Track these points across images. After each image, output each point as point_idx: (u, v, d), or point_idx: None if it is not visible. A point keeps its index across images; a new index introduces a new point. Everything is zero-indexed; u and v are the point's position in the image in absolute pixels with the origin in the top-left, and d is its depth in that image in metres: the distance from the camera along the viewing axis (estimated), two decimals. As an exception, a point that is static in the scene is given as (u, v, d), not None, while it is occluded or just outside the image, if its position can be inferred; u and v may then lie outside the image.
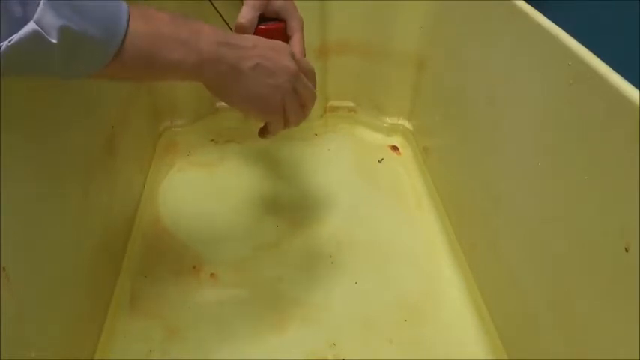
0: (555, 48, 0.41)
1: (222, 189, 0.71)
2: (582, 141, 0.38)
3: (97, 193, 0.52)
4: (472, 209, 0.60)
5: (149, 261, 0.60)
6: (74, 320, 0.46)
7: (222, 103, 0.80)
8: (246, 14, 0.47)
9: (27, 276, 0.37)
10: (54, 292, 0.42)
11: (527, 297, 0.47)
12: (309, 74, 0.45)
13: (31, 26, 0.27)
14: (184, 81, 0.38)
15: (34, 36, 0.27)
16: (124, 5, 0.31)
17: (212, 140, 0.80)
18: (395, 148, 0.80)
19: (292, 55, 0.43)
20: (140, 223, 0.65)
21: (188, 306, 0.55)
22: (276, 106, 0.42)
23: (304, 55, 0.50)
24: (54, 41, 0.28)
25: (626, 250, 0.33)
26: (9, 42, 0.27)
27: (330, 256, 0.61)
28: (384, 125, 0.82)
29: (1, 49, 0.27)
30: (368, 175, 0.75)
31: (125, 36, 0.31)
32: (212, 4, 0.53)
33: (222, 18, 0.52)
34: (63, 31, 0.28)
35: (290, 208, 0.68)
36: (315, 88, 0.46)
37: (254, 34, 0.47)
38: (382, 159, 0.78)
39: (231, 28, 0.49)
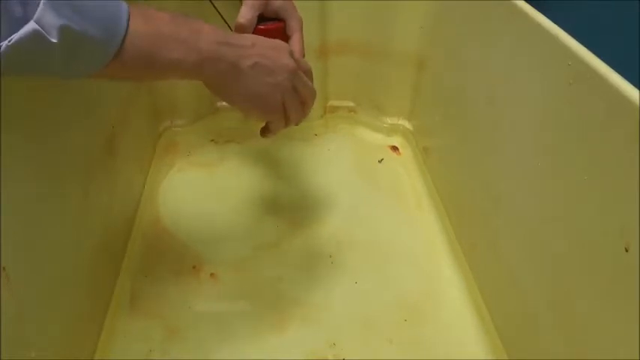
0: (555, 48, 0.41)
1: (222, 189, 0.71)
2: (582, 141, 0.38)
3: (97, 193, 0.52)
4: (472, 209, 0.60)
5: (149, 261, 0.60)
6: (74, 320, 0.46)
7: (223, 103, 0.81)
8: (246, 14, 0.47)
9: (27, 276, 0.37)
10: (54, 292, 0.42)
11: (527, 297, 0.47)
12: (307, 74, 0.45)
13: (31, 26, 0.27)
14: (184, 80, 0.38)
15: (34, 35, 0.27)
16: (124, 5, 0.31)
17: (212, 140, 0.80)
18: (395, 148, 0.80)
19: (291, 54, 0.43)
20: (140, 223, 0.65)
21: (188, 306, 0.55)
22: (276, 105, 0.42)
23: (304, 55, 0.50)
24: (54, 41, 0.28)
25: (626, 250, 0.33)
26: (9, 41, 0.27)
27: (330, 256, 0.61)
28: (384, 125, 0.82)
29: (1, 48, 0.27)
30: (368, 175, 0.75)
31: (125, 36, 0.31)
32: (212, 3, 0.53)
33: (223, 18, 0.52)
34: (63, 31, 0.28)
35: (290, 208, 0.68)
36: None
37: (253, 34, 0.47)
38: (382, 159, 0.78)
39: (231, 28, 0.49)
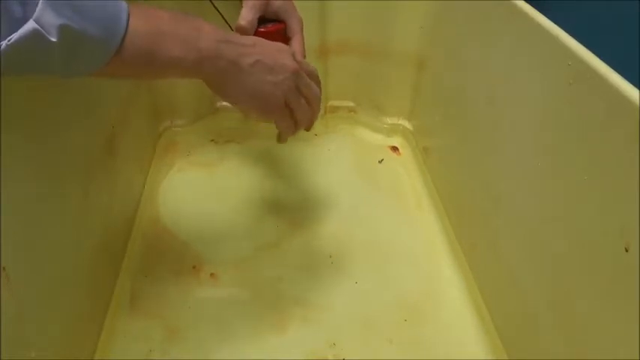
0: (555, 48, 0.41)
1: (222, 189, 0.71)
2: (582, 141, 0.38)
3: (97, 193, 0.52)
4: (472, 209, 0.60)
5: (149, 261, 0.60)
6: (74, 320, 0.46)
7: (223, 103, 0.81)
8: (246, 16, 0.47)
9: (27, 276, 0.37)
10: (54, 292, 0.42)
11: (527, 297, 0.47)
12: (312, 75, 0.45)
13: (30, 25, 0.27)
14: (185, 78, 0.38)
15: (34, 34, 0.27)
16: (124, 4, 0.32)
17: (212, 140, 0.80)
18: (395, 149, 0.80)
19: (293, 56, 0.43)
20: (140, 223, 0.65)
21: (188, 306, 0.55)
22: (277, 104, 0.42)
23: (305, 56, 0.50)
24: (54, 40, 0.28)
25: (626, 250, 0.33)
26: (8, 41, 0.27)
27: (330, 256, 0.61)
28: (384, 125, 0.82)
29: (1, 47, 0.27)
30: (368, 175, 0.75)
31: (125, 34, 0.31)
32: (212, 3, 0.53)
33: (223, 18, 0.52)
34: (63, 30, 0.28)
35: (290, 208, 0.68)
36: (320, 88, 0.45)
37: (254, 36, 0.47)
38: (382, 159, 0.78)
39: (232, 28, 0.49)
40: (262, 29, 0.49)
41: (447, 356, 0.51)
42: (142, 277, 0.58)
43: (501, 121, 0.52)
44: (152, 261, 0.60)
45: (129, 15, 0.32)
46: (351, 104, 0.83)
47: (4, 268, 0.33)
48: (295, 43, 0.50)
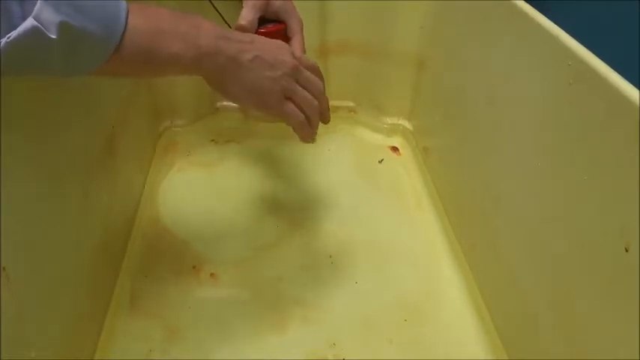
0: (555, 48, 0.41)
1: (222, 189, 0.71)
2: (582, 141, 0.38)
3: (97, 193, 0.52)
4: (472, 209, 0.60)
5: (149, 261, 0.60)
6: (74, 320, 0.46)
7: (223, 103, 0.81)
8: (247, 15, 0.47)
9: (27, 276, 0.37)
10: (54, 292, 0.42)
11: (527, 297, 0.47)
12: (312, 69, 0.44)
13: (30, 22, 0.27)
14: (184, 75, 0.38)
15: (34, 32, 0.27)
16: (123, 2, 0.32)
17: (212, 140, 0.80)
18: (395, 149, 0.80)
19: (292, 54, 0.43)
20: (140, 223, 0.65)
21: (188, 306, 0.55)
22: (275, 99, 0.41)
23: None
24: (53, 37, 0.28)
25: (626, 250, 0.33)
26: (8, 38, 0.27)
27: (330, 256, 0.61)
28: (384, 125, 0.82)
29: (1, 45, 0.27)
30: (368, 175, 0.75)
31: (124, 32, 0.31)
32: (212, 3, 0.53)
33: (223, 18, 0.52)
34: (62, 27, 0.28)
35: (290, 208, 0.68)
36: (323, 81, 0.45)
37: None
38: (382, 159, 0.78)
39: (231, 27, 0.49)
40: (262, 29, 0.49)
41: (447, 356, 0.51)
42: (142, 277, 0.58)
43: (501, 121, 0.52)
44: (152, 261, 0.60)
45: (128, 12, 0.32)
46: (351, 104, 0.83)
47: (4, 268, 0.33)
48: (295, 43, 0.50)
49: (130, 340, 0.51)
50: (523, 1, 0.47)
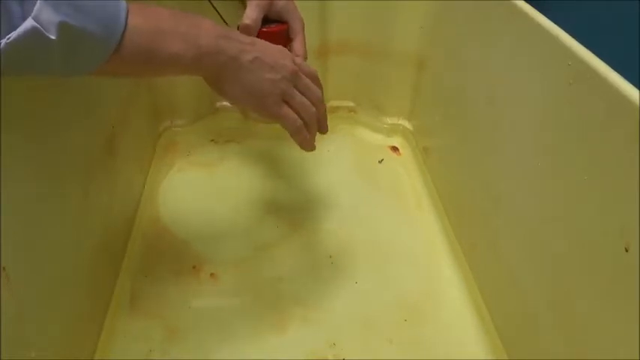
0: (555, 48, 0.41)
1: (222, 189, 0.71)
2: (582, 141, 0.38)
3: (97, 193, 0.52)
4: (472, 209, 0.60)
5: (149, 261, 0.60)
6: (74, 320, 0.46)
7: (223, 103, 0.81)
8: (251, 14, 0.47)
9: (27, 276, 0.37)
10: (54, 292, 0.42)
11: (527, 297, 0.47)
12: (311, 76, 0.44)
13: (29, 22, 0.27)
14: (184, 75, 0.38)
15: (33, 32, 0.27)
16: (123, 2, 0.32)
17: (212, 140, 0.80)
18: (395, 149, 0.80)
19: (293, 60, 0.43)
20: (140, 223, 0.65)
21: (188, 306, 0.55)
22: (274, 102, 0.41)
23: (306, 57, 0.50)
24: (52, 37, 0.28)
25: (626, 250, 0.33)
26: (8, 39, 0.27)
27: (330, 256, 0.61)
28: (384, 125, 0.82)
29: (0, 46, 0.27)
30: (368, 175, 0.75)
31: (124, 32, 0.31)
32: (211, 3, 0.53)
33: (222, 18, 0.52)
34: (62, 27, 0.28)
35: (290, 208, 0.68)
36: (321, 90, 0.45)
37: (256, 37, 0.47)
38: (382, 159, 0.78)
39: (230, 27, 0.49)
40: (265, 29, 0.49)
41: (447, 356, 0.51)
42: (142, 277, 0.58)
43: (501, 121, 0.52)
44: (152, 261, 0.60)
45: (128, 12, 0.32)
46: (351, 104, 0.83)
47: (4, 268, 0.33)
48: (297, 43, 0.50)
49: (130, 340, 0.51)
50: (523, 1, 0.47)
